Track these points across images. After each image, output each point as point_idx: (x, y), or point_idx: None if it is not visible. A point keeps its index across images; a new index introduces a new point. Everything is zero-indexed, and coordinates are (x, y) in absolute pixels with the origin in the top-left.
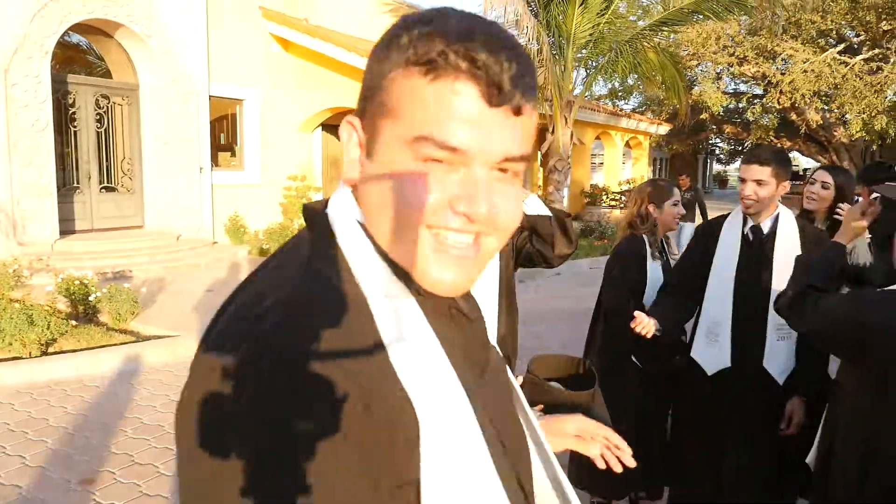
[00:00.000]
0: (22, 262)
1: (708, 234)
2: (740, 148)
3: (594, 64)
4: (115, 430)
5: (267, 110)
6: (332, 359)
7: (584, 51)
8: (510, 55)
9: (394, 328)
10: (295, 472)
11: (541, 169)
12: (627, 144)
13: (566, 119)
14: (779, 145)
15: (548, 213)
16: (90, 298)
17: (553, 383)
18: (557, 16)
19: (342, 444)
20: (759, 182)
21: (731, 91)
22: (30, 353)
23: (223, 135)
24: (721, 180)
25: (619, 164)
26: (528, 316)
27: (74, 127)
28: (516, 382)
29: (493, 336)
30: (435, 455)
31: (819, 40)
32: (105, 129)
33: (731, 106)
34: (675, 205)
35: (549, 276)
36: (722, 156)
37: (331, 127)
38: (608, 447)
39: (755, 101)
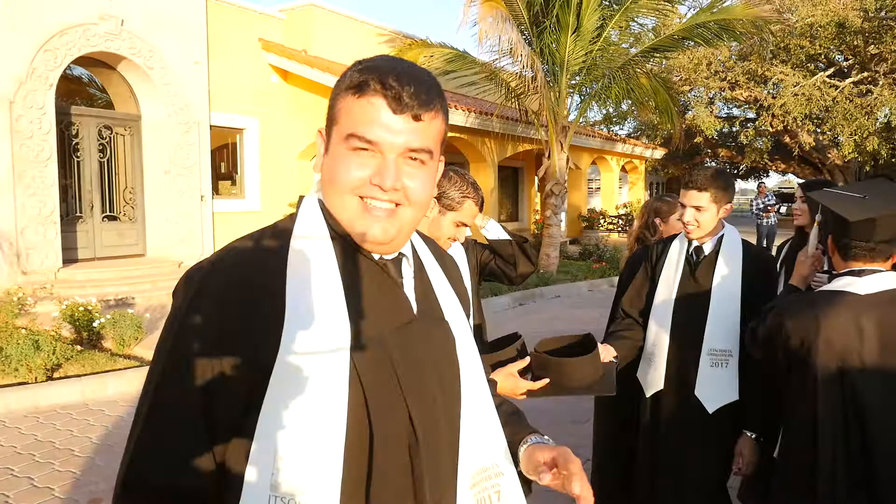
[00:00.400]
0: (26, 290)
1: (656, 255)
2: (736, 171)
3: (588, 90)
4: (120, 452)
5: (266, 139)
6: (230, 272)
7: (577, 77)
8: (411, 81)
9: (301, 264)
10: (174, 341)
11: (538, 193)
12: (623, 169)
13: (562, 144)
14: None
15: (507, 237)
16: (94, 324)
17: (555, 358)
18: (551, 44)
19: (211, 330)
20: (697, 208)
21: (724, 115)
22: (35, 378)
23: (223, 164)
24: None
25: (616, 189)
26: (528, 337)
27: (77, 157)
28: (470, 362)
29: (460, 322)
30: (289, 366)
31: (808, 64)
32: (107, 159)
33: (725, 130)
34: (679, 219)
35: (548, 299)
36: None
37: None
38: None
39: (748, 125)
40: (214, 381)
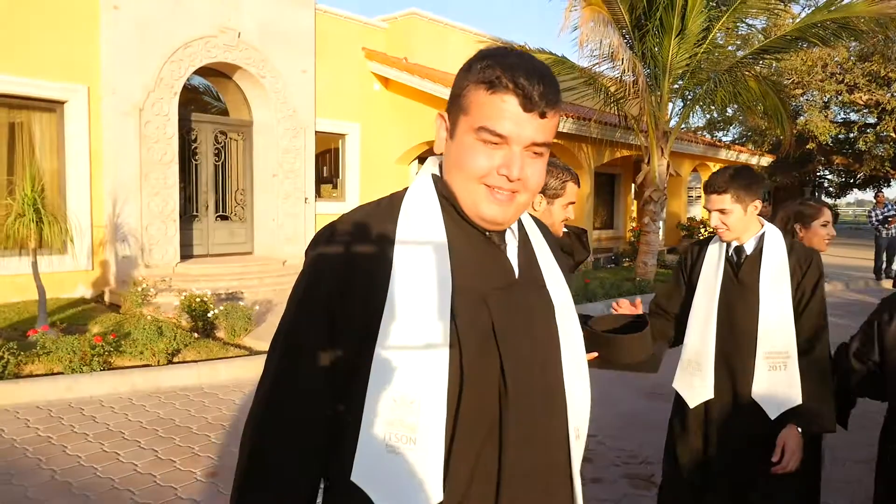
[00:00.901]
0: (148, 282)
1: (692, 258)
2: (852, 181)
3: (691, 94)
4: (232, 431)
5: (367, 144)
6: (354, 229)
7: (680, 81)
8: (540, 81)
9: (410, 223)
10: (306, 283)
11: (634, 201)
12: None
13: (662, 150)
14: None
15: (564, 230)
16: (208, 315)
17: (605, 334)
18: (653, 47)
19: (334, 268)
20: (721, 211)
21: (841, 120)
22: (158, 361)
23: (325, 167)
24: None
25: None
26: None
27: (196, 160)
28: (569, 329)
29: (562, 292)
30: (398, 305)
31: None
32: (222, 163)
33: (841, 136)
34: (824, 225)
35: (645, 306)
36: (831, 189)
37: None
38: None
39: (867, 130)
40: (337, 320)
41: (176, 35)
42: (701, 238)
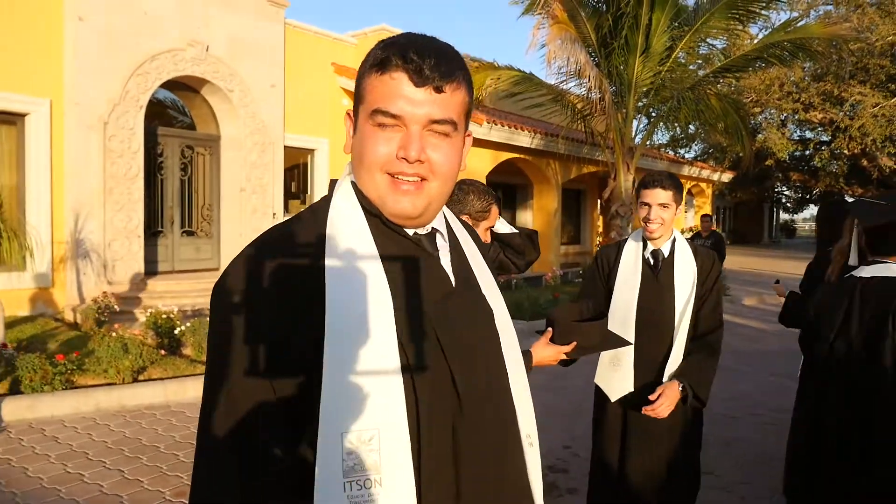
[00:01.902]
0: (111, 298)
1: (606, 260)
2: (808, 196)
3: (655, 112)
4: None
5: (336, 160)
6: (274, 253)
7: (645, 99)
8: (432, 54)
9: (339, 241)
10: (228, 319)
11: (601, 216)
12: (689, 192)
13: (628, 165)
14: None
15: (515, 230)
16: (175, 332)
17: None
18: (619, 65)
19: (264, 304)
20: (663, 206)
21: (798, 138)
22: (123, 379)
23: (294, 183)
24: (788, 229)
25: (682, 212)
26: (594, 356)
27: (161, 175)
28: (508, 333)
29: (496, 295)
30: (339, 332)
31: (889, 84)
32: (188, 178)
33: (798, 153)
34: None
35: None
36: (789, 204)
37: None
38: None
39: (822, 148)
40: (272, 359)
41: (143, 47)
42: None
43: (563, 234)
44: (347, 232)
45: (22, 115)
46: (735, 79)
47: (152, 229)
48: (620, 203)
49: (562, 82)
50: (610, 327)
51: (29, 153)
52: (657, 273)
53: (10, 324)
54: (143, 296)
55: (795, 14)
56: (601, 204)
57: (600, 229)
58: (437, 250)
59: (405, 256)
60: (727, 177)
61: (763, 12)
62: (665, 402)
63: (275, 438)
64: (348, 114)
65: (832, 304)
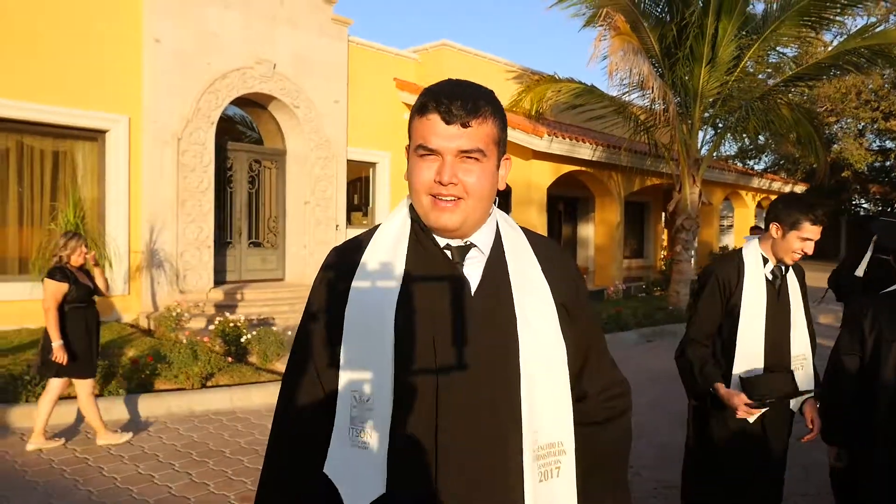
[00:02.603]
0: (183, 306)
1: (727, 280)
2: (889, 209)
3: (722, 122)
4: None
5: (397, 172)
6: (339, 254)
7: (711, 109)
8: (459, 96)
9: (378, 242)
10: (312, 297)
11: (665, 230)
12: (759, 205)
13: (694, 178)
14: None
15: None
16: (241, 340)
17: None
18: (683, 75)
19: (320, 286)
20: (813, 241)
21: (877, 148)
22: (192, 384)
23: (356, 195)
24: None
25: (751, 226)
26: (655, 373)
27: (230, 188)
28: (537, 342)
29: (536, 307)
30: (356, 310)
31: None
32: (255, 191)
33: (877, 164)
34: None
35: (678, 336)
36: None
37: None
38: None
39: None
40: (323, 321)
41: (214, 66)
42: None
43: (626, 248)
44: (386, 240)
45: (103, 132)
46: (808, 87)
47: (221, 240)
48: (686, 216)
49: (624, 94)
50: (740, 348)
51: (109, 167)
52: (780, 292)
53: None
54: (212, 304)
55: (873, 19)
56: (665, 217)
57: (665, 243)
58: (463, 259)
59: (430, 264)
60: (800, 189)
61: (838, 18)
62: (818, 424)
63: (321, 370)
64: (407, 149)
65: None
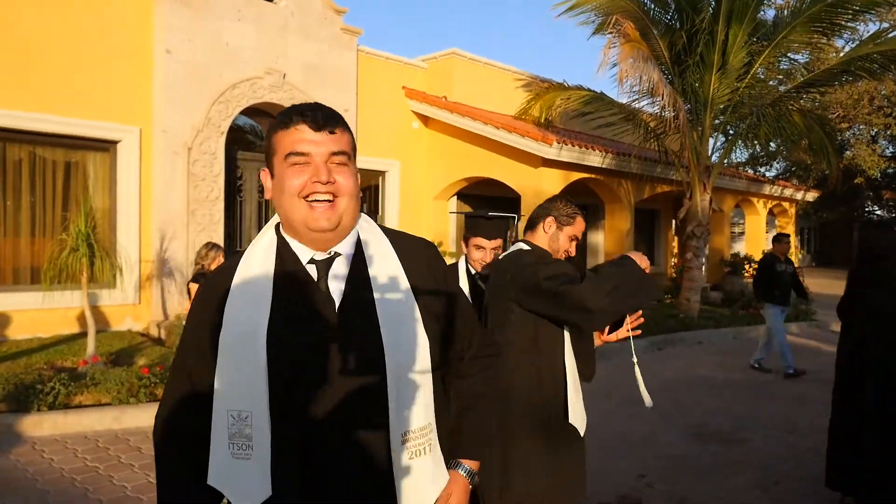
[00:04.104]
0: None
1: None
2: None
3: (733, 129)
4: None
5: (406, 181)
6: (210, 281)
7: (722, 116)
8: (320, 109)
9: (248, 268)
10: (188, 325)
11: (675, 237)
12: (771, 212)
13: (704, 185)
14: None
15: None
16: None
17: None
18: (694, 82)
19: (199, 311)
20: None
21: (890, 154)
22: None
23: (366, 204)
24: None
25: (763, 233)
26: (669, 382)
27: (240, 198)
28: (402, 341)
29: (399, 306)
30: (229, 335)
31: None
32: (265, 200)
33: (891, 170)
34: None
35: (690, 344)
36: None
37: (466, 196)
38: None
39: None
40: (195, 347)
41: (224, 77)
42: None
43: None
44: (253, 265)
45: (114, 143)
46: (819, 94)
47: (231, 249)
48: (697, 223)
49: (634, 101)
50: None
51: (120, 178)
52: None
53: (100, 338)
54: None
55: (886, 25)
56: (676, 224)
57: (675, 250)
58: (330, 274)
59: (294, 282)
60: (812, 196)
61: (850, 24)
62: None
63: (193, 394)
64: (264, 170)
65: None
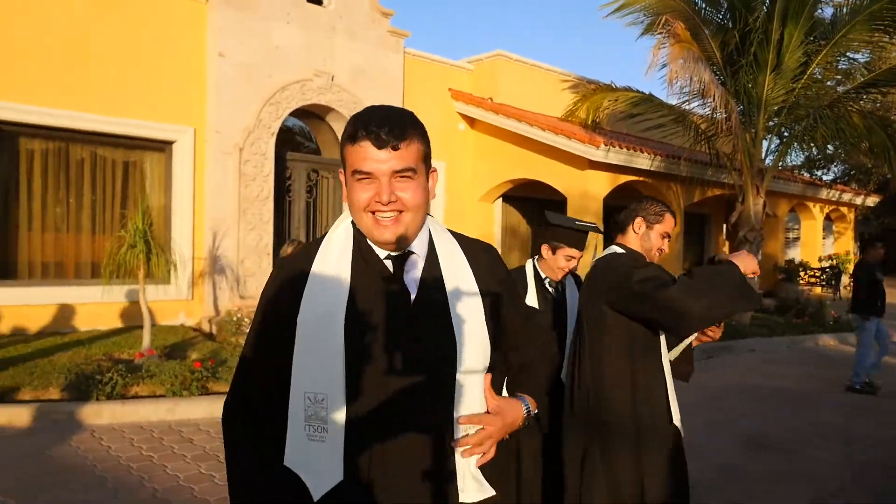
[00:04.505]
0: (243, 312)
1: None
2: None
3: (788, 131)
4: None
5: (452, 182)
6: (287, 265)
7: (776, 118)
8: (386, 122)
9: (324, 261)
10: (264, 305)
11: (726, 242)
12: (828, 218)
13: (758, 188)
14: None
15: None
16: None
17: None
18: (747, 83)
19: (271, 294)
20: None
21: None
22: None
23: None
24: None
25: (819, 239)
26: (719, 390)
27: (289, 197)
28: (469, 336)
29: (467, 305)
30: (308, 317)
31: None
32: (314, 199)
33: None
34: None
35: (742, 352)
36: None
37: (511, 198)
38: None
39: None
40: (271, 331)
41: (274, 79)
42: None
43: (685, 261)
44: (332, 253)
45: (170, 143)
46: (881, 94)
47: (280, 248)
48: (749, 227)
49: (684, 102)
50: None
51: (175, 177)
52: None
53: (155, 332)
54: None
55: None
56: (727, 229)
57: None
58: (404, 270)
59: (370, 272)
60: (872, 200)
61: None
62: None
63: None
64: (341, 172)
65: None
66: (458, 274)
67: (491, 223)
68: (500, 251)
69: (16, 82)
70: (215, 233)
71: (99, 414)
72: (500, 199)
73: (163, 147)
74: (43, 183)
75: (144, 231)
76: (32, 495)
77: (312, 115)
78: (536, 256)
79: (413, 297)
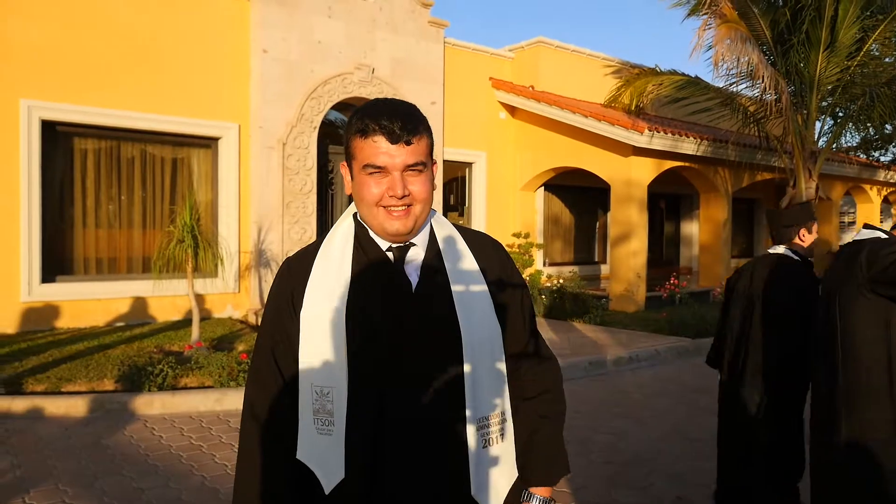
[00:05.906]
0: None
1: None
2: None
3: (843, 111)
4: None
5: (493, 172)
6: (291, 263)
7: (830, 98)
8: (399, 118)
9: (328, 250)
10: (272, 303)
11: None
12: (886, 200)
13: (810, 171)
14: None
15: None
16: None
17: None
18: (798, 62)
19: (277, 292)
20: None
21: None
22: None
23: (452, 196)
24: None
25: (877, 223)
26: None
27: (332, 190)
28: (476, 326)
29: (473, 295)
30: (311, 312)
31: None
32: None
33: None
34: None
35: None
36: None
37: (553, 187)
38: None
39: None
40: (279, 325)
41: (316, 73)
42: None
43: (734, 247)
44: (334, 248)
45: (216, 139)
46: None
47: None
48: None
49: (731, 84)
50: None
51: (221, 172)
52: None
53: (203, 325)
54: None
55: None
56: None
57: None
58: (405, 260)
59: (372, 265)
60: None
61: None
62: None
63: (280, 369)
64: (343, 165)
65: None
66: (461, 261)
67: (533, 212)
68: (541, 240)
69: (70, 84)
70: (260, 226)
71: (150, 404)
72: (542, 188)
73: (209, 143)
74: (96, 181)
75: (192, 226)
76: (89, 483)
77: (353, 107)
78: (788, 243)
79: (415, 285)
